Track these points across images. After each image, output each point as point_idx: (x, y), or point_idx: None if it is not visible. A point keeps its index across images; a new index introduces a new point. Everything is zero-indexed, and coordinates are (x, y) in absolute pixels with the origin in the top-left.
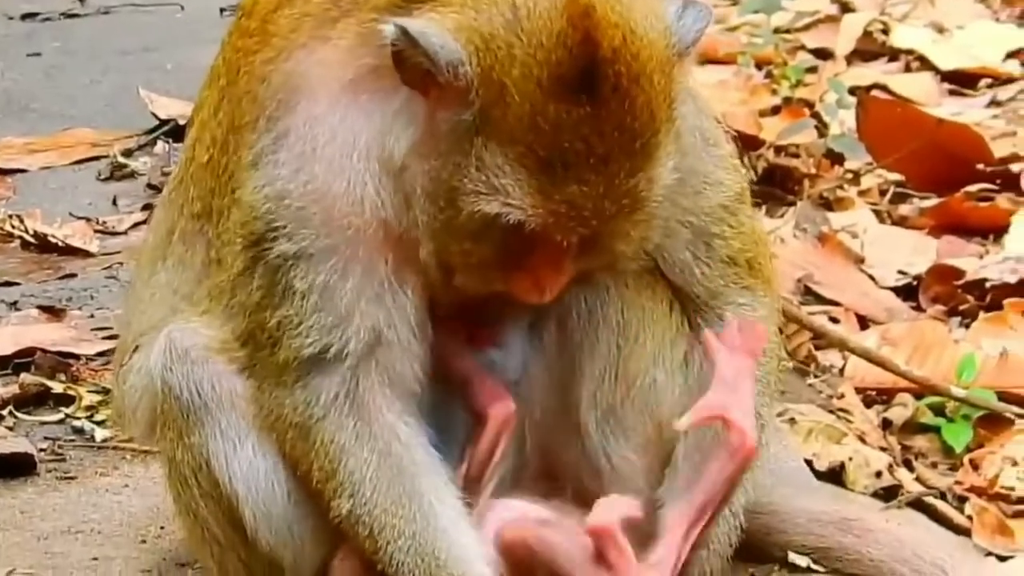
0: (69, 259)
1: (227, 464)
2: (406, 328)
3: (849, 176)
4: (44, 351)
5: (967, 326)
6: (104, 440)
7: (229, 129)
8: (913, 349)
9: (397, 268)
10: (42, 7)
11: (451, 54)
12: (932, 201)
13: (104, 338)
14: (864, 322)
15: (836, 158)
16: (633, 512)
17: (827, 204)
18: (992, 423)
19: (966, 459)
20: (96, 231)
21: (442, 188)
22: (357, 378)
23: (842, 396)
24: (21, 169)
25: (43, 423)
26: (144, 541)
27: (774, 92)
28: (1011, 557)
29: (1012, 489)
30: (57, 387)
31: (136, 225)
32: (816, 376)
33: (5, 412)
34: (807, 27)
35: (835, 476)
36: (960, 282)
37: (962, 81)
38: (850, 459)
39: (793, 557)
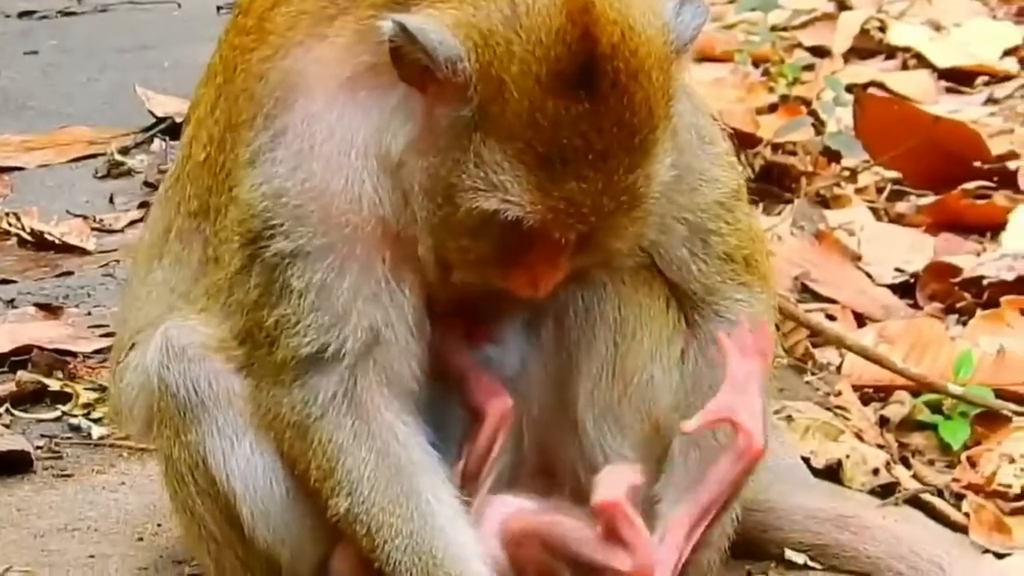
0: (66, 257)
1: (224, 462)
2: (404, 327)
3: (846, 174)
4: (41, 349)
5: (964, 323)
6: (101, 437)
7: (226, 127)
8: (910, 346)
9: (395, 266)
10: (39, 5)
11: (450, 50)
12: (929, 199)
13: (101, 336)
14: (861, 320)
15: (833, 156)
16: (635, 480)
17: (824, 202)
18: (989, 420)
19: (963, 456)
20: (93, 229)
21: (440, 185)
22: (355, 377)
23: (839, 393)
24: (18, 167)
25: (40, 421)
26: (141, 539)
27: (771, 90)
28: (1008, 554)
29: (1009, 486)
30: (54, 385)
31: (133, 223)
32: (813, 373)
33: (2, 410)
34: (804, 25)
35: (832, 473)
36: (957, 279)
37: (959, 79)
38: (847, 456)
39: (790, 554)
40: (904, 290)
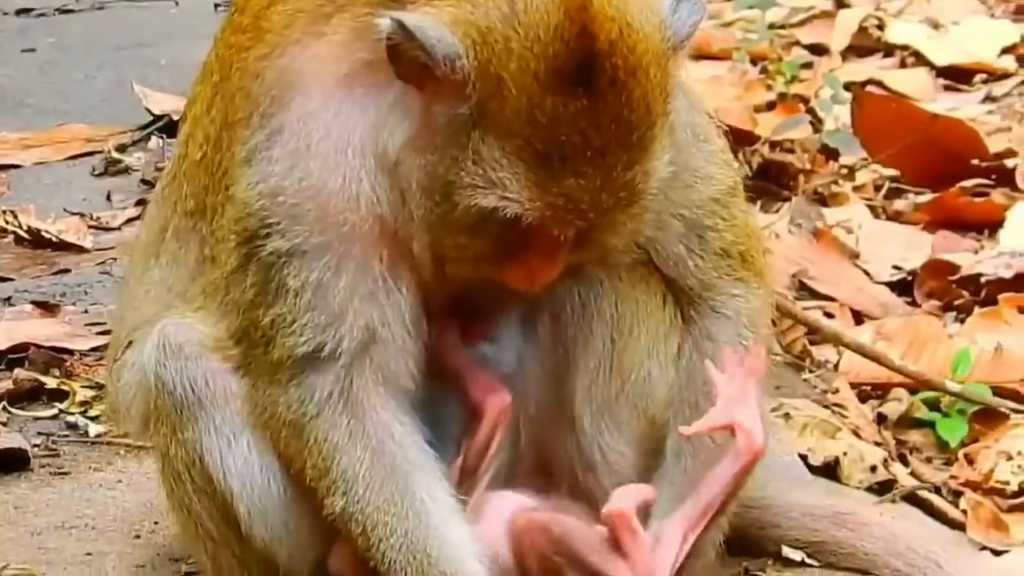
0: (63, 255)
1: (221, 460)
2: (400, 326)
3: (844, 171)
4: (38, 346)
5: (962, 321)
6: (98, 435)
7: (222, 126)
8: (908, 344)
9: (391, 265)
10: (37, 3)
11: (448, 47)
12: (927, 196)
13: (98, 333)
14: (859, 317)
15: (831, 153)
16: (648, 496)
17: (822, 199)
18: (987, 418)
19: (961, 454)
20: (90, 227)
21: (438, 182)
22: (351, 376)
23: (837, 391)
24: (15, 165)
25: (37, 418)
26: (138, 537)
27: (769, 88)
28: (1006, 551)
29: (1007, 483)
30: (51, 382)
31: (130, 221)
32: (811, 371)
33: None
34: (802, 23)
35: (830, 471)
36: (955, 277)
37: (957, 76)
38: (845, 454)
39: (787, 551)
40: (902, 288)
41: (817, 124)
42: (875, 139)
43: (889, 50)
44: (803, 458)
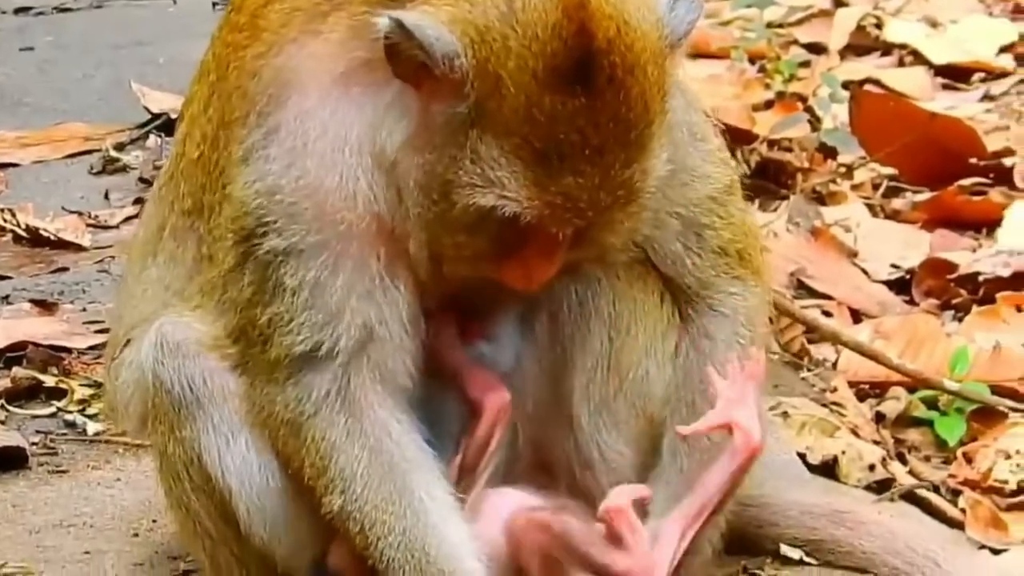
0: (61, 253)
1: (219, 458)
2: (398, 324)
3: (842, 170)
4: (36, 345)
5: (960, 320)
6: (96, 434)
7: (219, 125)
8: (906, 343)
9: (389, 264)
10: (35, 1)
11: (447, 46)
12: (925, 195)
13: (96, 332)
14: (857, 316)
15: (829, 152)
16: (644, 495)
17: (820, 198)
18: (985, 416)
19: (959, 452)
20: (88, 225)
21: (436, 182)
22: (348, 375)
23: (835, 390)
24: (13, 163)
25: (35, 417)
26: (136, 535)
27: (767, 86)
28: (1004, 550)
29: (1005, 482)
30: (49, 381)
31: (128, 219)
32: (809, 370)
33: None
34: (800, 22)
35: (828, 470)
36: (953, 276)
37: (955, 75)
38: (843, 453)
39: (785, 550)
40: (900, 286)
41: (815, 123)
42: (873, 138)
43: (887, 49)
44: (801, 457)
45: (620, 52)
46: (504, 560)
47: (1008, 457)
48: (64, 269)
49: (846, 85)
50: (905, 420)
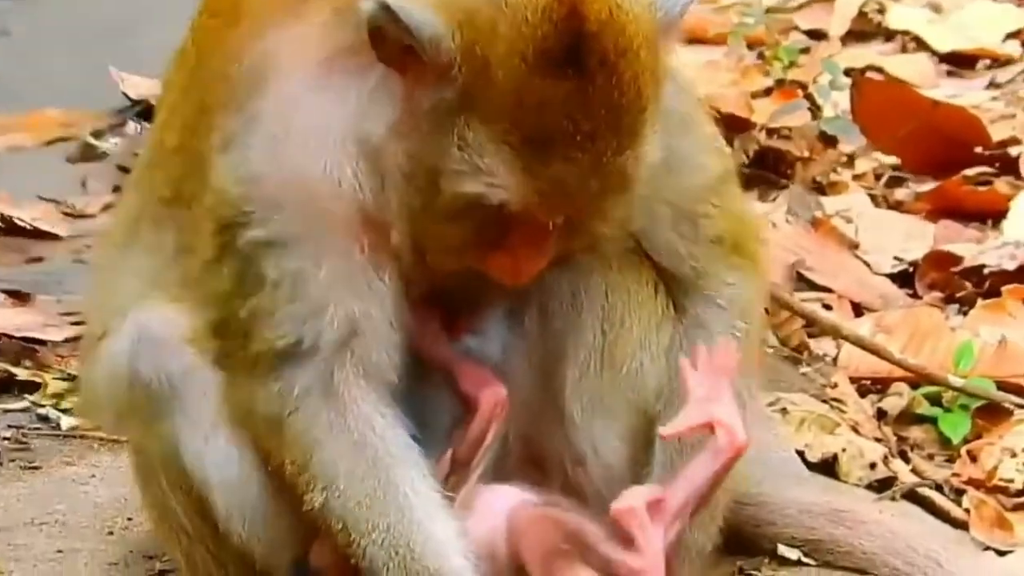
0: (36, 242)
1: (198, 454)
2: (382, 317)
3: (843, 159)
4: (9, 337)
5: (965, 313)
6: (70, 428)
7: (199, 111)
8: (909, 337)
9: (373, 255)
10: None
11: (433, 29)
12: (928, 185)
13: (71, 324)
14: (858, 309)
15: (830, 141)
16: (658, 496)
17: (820, 188)
18: (990, 413)
19: (964, 450)
20: (64, 214)
21: (422, 169)
22: (331, 369)
23: (835, 385)
24: None
25: (7, 411)
26: (111, 533)
27: (766, 73)
28: (1010, 551)
29: (1011, 481)
30: (22, 374)
31: (106, 208)
32: (809, 365)
33: None
34: (800, 7)
35: (828, 468)
36: (957, 268)
37: (960, 62)
38: (843, 450)
39: (783, 549)
40: (903, 279)
41: (815, 111)
42: (875, 126)
43: (890, 35)
44: (800, 454)
45: (612, 35)
46: (500, 555)
47: (1014, 455)
48: (39, 259)
49: (847, 72)
50: (908, 417)
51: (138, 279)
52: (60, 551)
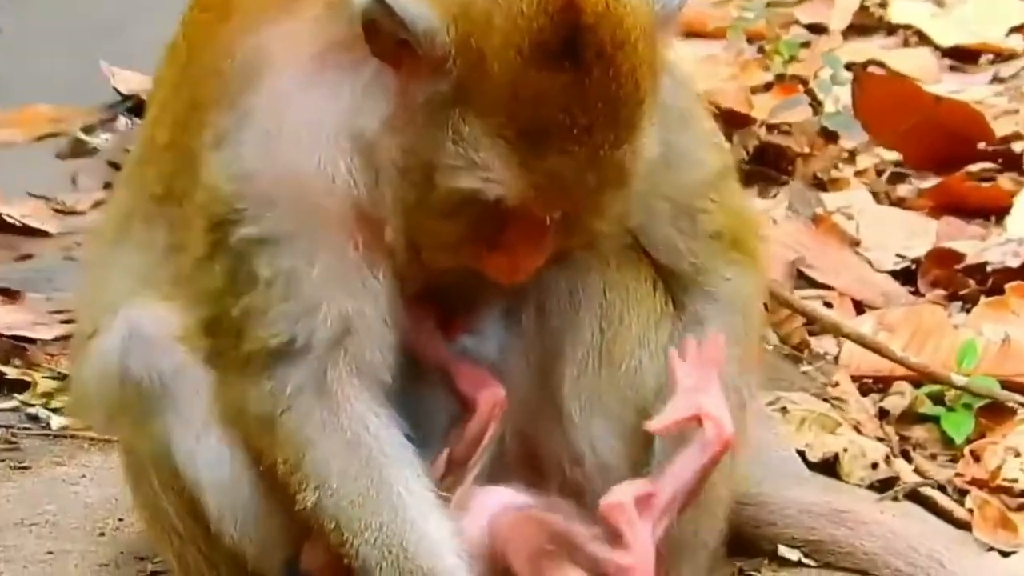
0: (26, 240)
1: (189, 454)
2: (376, 315)
3: (844, 155)
4: None
5: (968, 311)
6: (61, 428)
7: (190, 108)
8: (911, 335)
9: (367, 253)
10: None
11: (427, 22)
12: (931, 181)
13: (62, 322)
14: (860, 307)
15: (831, 136)
16: (647, 491)
17: (821, 184)
18: (994, 412)
19: (967, 450)
20: (55, 211)
21: (416, 164)
22: (325, 368)
23: (836, 384)
24: None
25: None
26: (102, 534)
27: (766, 68)
28: (1014, 552)
29: (1015, 481)
30: (12, 373)
31: (96, 204)
32: (809, 363)
33: None
34: (801, 1)
35: (829, 468)
36: (960, 265)
37: (963, 57)
38: (845, 450)
39: (783, 550)
40: (905, 276)
41: (816, 106)
42: (877, 122)
43: (892, 29)
44: (801, 454)
45: (609, 27)
46: (488, 557)
47: (1018, 455)
48: (29, 256)
49: (849, 67)
50: (910, 416)
51: (129, 277)
52: (50, 552)
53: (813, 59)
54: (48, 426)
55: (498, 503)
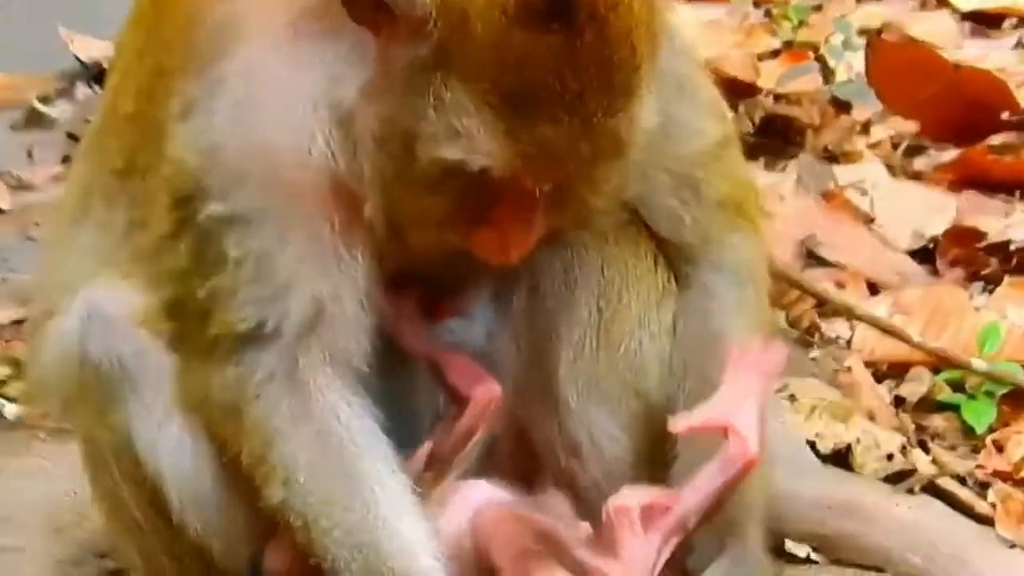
0: None
1: (151, 443)
2: (352, 299)
3: (857, 127)
4: None
5: (990, 292)
6: (16, 418)
7: (156, 75)
8: (929, 318)
9: (344, 232)
10: None
11: None
12: (950, 154)
13: (17, 304)
14: (874, 288)
15: (842, 106)
16: (660, 502)
17: (832, 157)
18: (1018, 400)
19: (989, 440)
20: (9, 186)
21: (397, 134)
22: (296, 355)
23: (849, 370)
24: None
25: None
26: (60, 530)
27: (773, 33)
28: None
29: None
30: None
31: (54, 179)
32: (820, 348)
33: None
34: None
35: (841, 459)
36: (982, 244)
37: (985, 21)
38: (858, 440)
39: (790, 546)
40: (923, 255)
41: (827, 74)
42: (892, 90)
43: None
44: (811, 444)
45: None
46: (469, 555)
47: None
48: None
49: (861, 32)
50: (927, 404)
51: (89, 256)
52: (4, 549)
53: (824, 24)
54: (3, 416)
55: (481, 497)
